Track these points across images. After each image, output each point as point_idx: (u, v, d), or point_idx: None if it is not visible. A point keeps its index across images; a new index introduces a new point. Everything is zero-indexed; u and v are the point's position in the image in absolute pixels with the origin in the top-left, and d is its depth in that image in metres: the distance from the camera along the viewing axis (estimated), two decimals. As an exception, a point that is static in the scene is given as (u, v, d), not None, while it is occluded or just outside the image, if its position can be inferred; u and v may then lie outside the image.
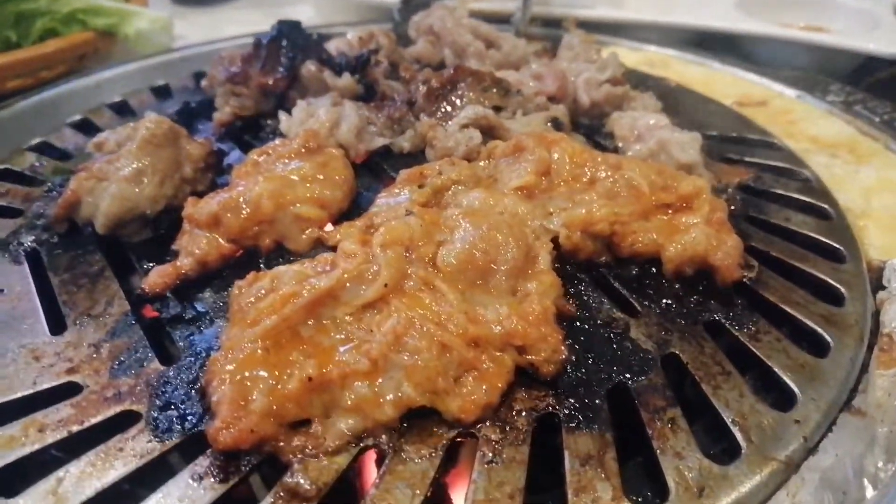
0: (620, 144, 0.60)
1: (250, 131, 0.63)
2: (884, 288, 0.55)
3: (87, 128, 0.72)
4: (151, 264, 0.48)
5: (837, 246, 0.53)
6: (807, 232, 0.54)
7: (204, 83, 0.68)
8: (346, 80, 0.62)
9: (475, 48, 0.70)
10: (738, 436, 0.38)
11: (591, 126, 0.64)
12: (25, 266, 0.52)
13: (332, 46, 0.73)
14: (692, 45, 1.00)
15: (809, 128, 0.78)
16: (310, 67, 0.63)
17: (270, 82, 0.62)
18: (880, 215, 0.65)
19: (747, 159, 0.63)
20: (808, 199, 0.58)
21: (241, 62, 0.63)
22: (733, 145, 0.66)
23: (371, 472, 0.38)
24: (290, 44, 0.64)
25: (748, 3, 1.08)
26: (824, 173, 0.70)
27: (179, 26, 1.25)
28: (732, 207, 0.56)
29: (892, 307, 0.54)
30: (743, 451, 0.38)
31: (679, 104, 0.72)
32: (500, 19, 1.02)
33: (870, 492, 0.41)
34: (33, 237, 0.54)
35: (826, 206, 0.57)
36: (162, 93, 0.79)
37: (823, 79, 0.85)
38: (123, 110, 0.76)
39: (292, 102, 0.63)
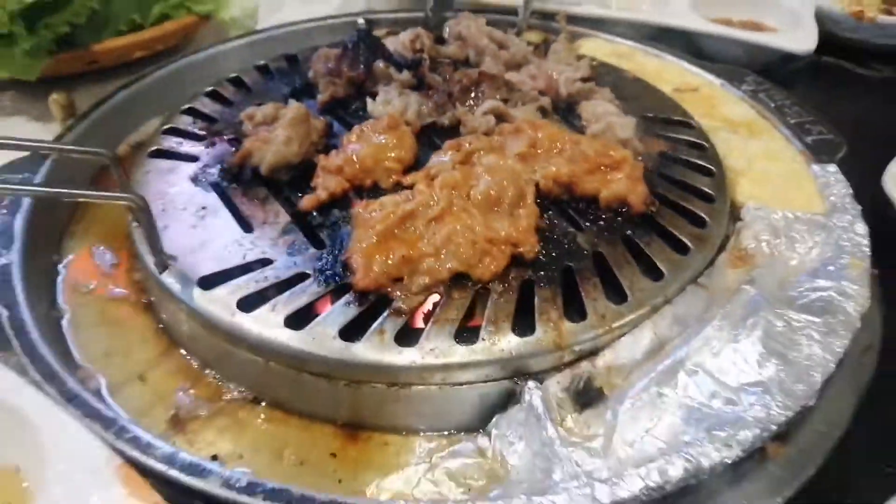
0: (585, 124, 0.92)
1: (342, 109, 0.94)
2: (741, 220, 0.88)
3: (218, 97, 1.02)
4: (298, 194, 0.81)
5: (711, 192, 0.85)
6: (694, 184, 0.86)
7: (311, 74, 0.97)
8: (405, 75, 0.93)
9: (490, 49, 1.01)
10: (628, 293, 0.71)
11: (567, 110, 0.95)
12: (214, 193, 0.84)
13: (391, 43, 1.03)
14: (657, 39, 1.30)
15: (724, 110, 1.08)
16: (380, 65, 0.93)
17: (355, 75, 0.93)
18: (754, 174, 0.96)
19: (670, 135, 0.95)
20: (700, 163, 0.90)
21: (335, 60, 0.94)
22: (662, 124, 0.97)
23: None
24: (366, 47, 0.95)
25: (697, 6, 1.38)
26: (723, 144, 1.01)
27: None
28: (650, 168, 0.88)
29: (747, 232, 0.85)
30: (629, 299, 0.71)
31: (631, 91, 1.03)
32: (507, 11, 1.32)
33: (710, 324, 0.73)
34: (212, 177, 0.86)
35: (712, 167, 0.89)
36: (264, 71, 1.09)
37: (743, 70, 1.15)
38: (239, 84, 1.06)
39: (368, 88, 0.94)
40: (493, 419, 0.65)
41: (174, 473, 0.56)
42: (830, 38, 1.33)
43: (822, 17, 1.32)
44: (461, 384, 0.66)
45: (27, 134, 1.13)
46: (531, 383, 0.65)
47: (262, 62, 1.11)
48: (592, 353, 0.68)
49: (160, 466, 0.57)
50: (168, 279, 0.72)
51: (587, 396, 0.68)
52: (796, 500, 0.63)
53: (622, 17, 1.28)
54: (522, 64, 1.01)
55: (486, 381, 0.66)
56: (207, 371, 0.73)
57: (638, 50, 1.20)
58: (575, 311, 0.70)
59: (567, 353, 0.67)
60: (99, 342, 0.77)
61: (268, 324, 0.67)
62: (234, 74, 1.07)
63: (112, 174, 0.81)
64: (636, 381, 0.67)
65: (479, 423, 0.67)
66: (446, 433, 0.68)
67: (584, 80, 0.94)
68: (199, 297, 0.70)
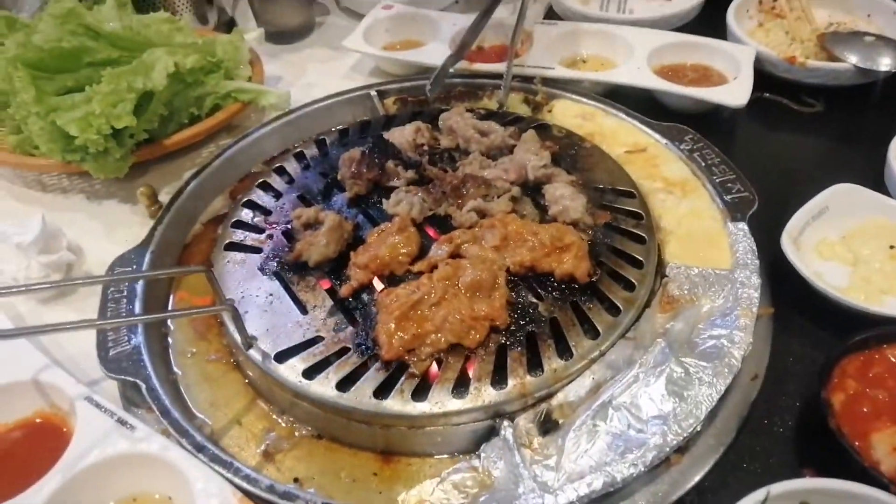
0: (548, 205, 1.20)
1: (364, 202, 1.23)
2: (667, 276, 1.16)
3: (268, 188, 1.33)
4: (338, 282, 1.11)
5: (641, 259, 1.13)
6: (630, 252, 1.14)
7: (339, 176, 1.25)
8: (410, 173, 1.22)
9: (475, 138, 1.28)
10: (574, 351, 1.01)
11: (535, 191, 1.23)
12: (277, 282, 1.15)
13: (397, 136, 1.31)
14: (619, 93, 1.54)
15: (664, 170, 1.32)
16: (391, 165, 1.22)
17: (372, 176, 1.22)
18: (681, 233, 1.20)
19: (615, 205, 1.22)
20: (636, 231, 1.17)
21: (356, 164, 1.22)
22: (609, 195, 1.23)
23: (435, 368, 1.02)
24: (379, 151, 1.23)
25: (660, 51, 1.61)
26: (660, 206, 1.26)
27: (274, 66, 1.80)
28: (597, 239, 1.16)
29: (672, 284, 1.13)
30: (574, 356, 1.01)
31: (588, 163, 1.29)
32: (494, 75, 1.58)
33: (632, 370, 1.03)
34: (274, 266, 1.17)
35: (644, 235, 1.16)
36: (300, 158, 1.38)
37: (683, 129, 1.37)
38: (283, 172, 1.36)
39: (383, 183, 1.23)
40: (482, 446, 0.96)
41: (274, 499, 0.89)
42: (770, 77, 1.57)
43: (762, 60, 1.55)
44: (458, 424, 0.97)
45: (119, 214, 1.45)
46: (506, 422, 0.96)
47: (298, 149, 1.40)
48: (549, 395, 0.99)
49: (265, 495, 0.89)
50: (253, 354, 1.04)
51: (547, 426, 0.98)
52: (688, 494, 0.94)
53: (586, 77, 1.52)
54: (501, 147, 1.28)
55: (475, 422, 0.97)
56: (283, 416, 1.05)
57: (599, 110, 1.45)
58: (536, 366, 1.00)
59: (530, 398, 0.98)
60: (205, 396, 1.09)
61: (324, 387, 0.99)
62: (278, 164, 1.37)
63: (201, 242, 1.22)
64: (580, 415, 0.97)
65: (473, 448, 0.93)
66: (450, 456, 0.98)
67: (546, 167, 1.21)
68: (276, 368, 1.02)
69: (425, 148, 1.26)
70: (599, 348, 1.01)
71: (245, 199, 1.28)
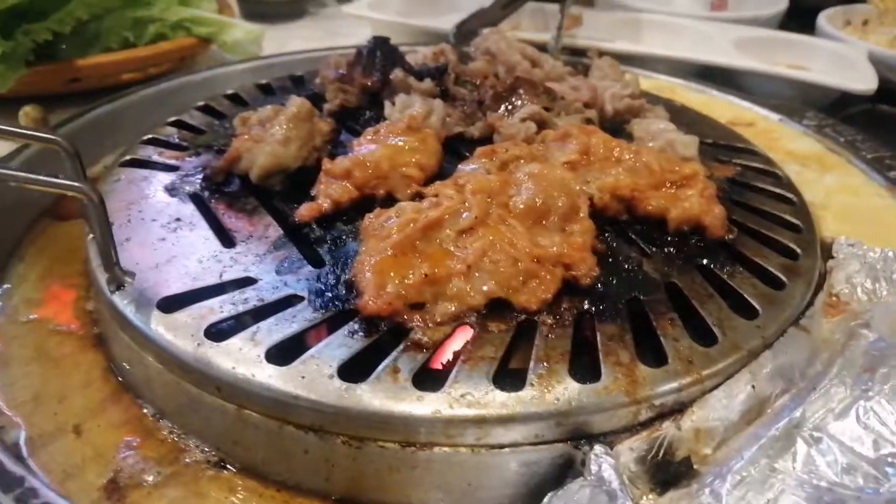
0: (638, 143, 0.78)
1: (352, 119, 0.81)
2: (833, 258, 0.72)
3: (209, 111, 0.89)
4: (294, 205, 0.66)
5: (797, 222, 0.70)
6: (775, 212, 0.71)
7: (317, 80, 0.85)
8: (427, 84, 0.79)
9: (523, 66, 0.88)
10: (716, 332, 0.55)
11: (613, 129, 0.82)
12: (192, 204, 0.69)
13: (411, 59, 0.91)
14: (696, 76, 1.19)
15: (787, 144, 0.96)
16: (398, 74, 0.80)
17: (369, 83, 0.79)
18: (837, 208, 0.81)
19: (734, 161, 0.81)
20: (777, 191, 0.75)
21: (346, 66, 0.81)
22: (724, 150, 0.83)
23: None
24: (383, 55, 0.82)
25: (744, 44, 1.27)
26: (795, 177, 0.86)
27: (251, 38, 1.43)
28: (720, 192, 0.73)
29: (839, 273, 0.70)
30: (719, 341, 0.55)
31: (682, 119, 0.89)
32: (537, 48, 1.21)
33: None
34: (193, 187, 0.72)
35: (791, 196, 0.75)
36: (266, 89, 0.96)
37: (802, 107, 1.03)
38: (236, 100, 0.93)
39: (384, 99, 0.81)
40: (545, 499, 0.47)
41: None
42: (886, 84, 1.21)
43: (875, 63, 1.20)
44: (502, 447, 0.48)
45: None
46: (598, 448, 0.48)
47: (264, 81, 0.98)
48: (677, 409, 0.51)
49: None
50: (121, 299, 0.56)
51: (669, 470, 0.50)
52: None
53: (659, 53, 1.16)
54: (560, 82, 0.88)
55: (535, 444, 0.49)
56: (163, 422, 0.56)
57: (679, 85, 1.08)
58: (650, 353, 0.53)
59: (644, 407, 0.50)
60: (29, 383, 0.61)
61: (244, 357, 0.50)
62: (231, 91, 0.94)
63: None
64: (741, 450, 0.50)
65: None
66: (480, 515, 0.49)
67: (633, 97, 0.80)
68: (158, 322, 0.54)
69: (450, 72, 0.84)
70: (762, 334, 0.55)
71: (172, 120, 0.84)
